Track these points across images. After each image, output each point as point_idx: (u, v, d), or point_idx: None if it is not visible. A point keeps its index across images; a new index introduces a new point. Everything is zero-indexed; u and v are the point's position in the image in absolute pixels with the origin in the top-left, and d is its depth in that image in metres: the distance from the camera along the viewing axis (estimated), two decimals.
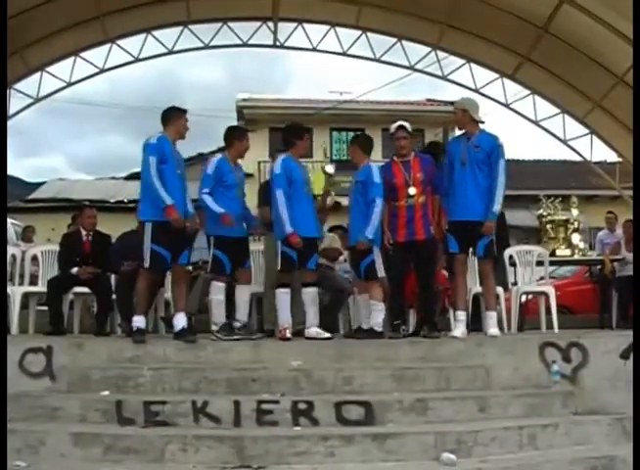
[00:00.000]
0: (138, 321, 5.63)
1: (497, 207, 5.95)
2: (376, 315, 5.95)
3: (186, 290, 6.07)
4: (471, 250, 6.26)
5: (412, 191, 6.04)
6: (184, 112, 5.90)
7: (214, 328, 5.86)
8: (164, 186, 5.55)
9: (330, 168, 6.49)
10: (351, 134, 19.18)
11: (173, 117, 5.83)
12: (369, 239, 5.91)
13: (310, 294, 6.07)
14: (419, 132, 17.12)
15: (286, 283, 6.05)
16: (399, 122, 6.32)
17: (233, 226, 5.87)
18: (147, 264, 5.64)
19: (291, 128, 6.38)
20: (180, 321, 5.68)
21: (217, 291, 5.96)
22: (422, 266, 6.13)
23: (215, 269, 5.98)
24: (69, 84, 9.79)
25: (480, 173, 5.99)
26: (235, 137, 6.15)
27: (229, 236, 5.91)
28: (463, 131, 6.26)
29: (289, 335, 5.85)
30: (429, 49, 10.13)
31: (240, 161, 6.29)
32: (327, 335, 5.91)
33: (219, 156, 6.19)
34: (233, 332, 5.84)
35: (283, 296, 6.01)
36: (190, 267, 6.76)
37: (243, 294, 6.09)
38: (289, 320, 5.96)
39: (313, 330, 5.94)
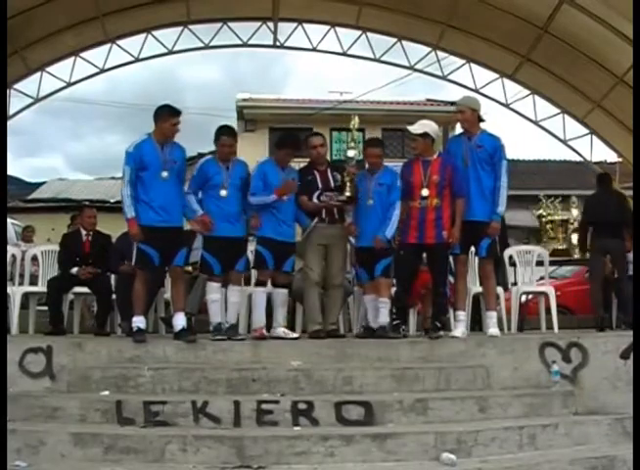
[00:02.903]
0: (138, 321, 5.64)
1: (502, 208, 5.96)
2: (387, 314, 6.04)
3: (184, 290, 6.06)
4: (472, 250, 6.26)
5: (425, 192, 5.91)
6: (173, 113, 5.69)
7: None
8: (145, 192, 5.58)
9: (351, 153, 6.25)
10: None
11: (160, 117, 5.67)
12: (387, 238, 5.97)
13: (281, 295, 6.13)
14: None
15: (263, 282, 6.12)
16: (407, 126, 6.21)
17: (211, 229, 5.81)
18: (133, 262, 5.72)
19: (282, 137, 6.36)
20: (179, 321, 5.69)
21: (212, 290, 5.97)
22: (434, 268, 6.08)
23: (204, 270, 6.03)
24: (69, 84, 9.80)
25: (483, 173, 5.96)
26: (215, 139, 6.04)
27: (218, 236, 5.87)
28: (462, 131, 6.25)
29: (265, 333, 5.87)
30: (429, 49, 10.14)
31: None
32: (294, 335, 5.97)
33: (208, 157, 6.20)
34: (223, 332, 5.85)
35: (260, 295, 6.08)
36: (189, 268, 6.75)
37: (232, 295, 6.09)
38: (263, 319, 6.04)
39: (280, 330, 6.00)
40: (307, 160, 6.48)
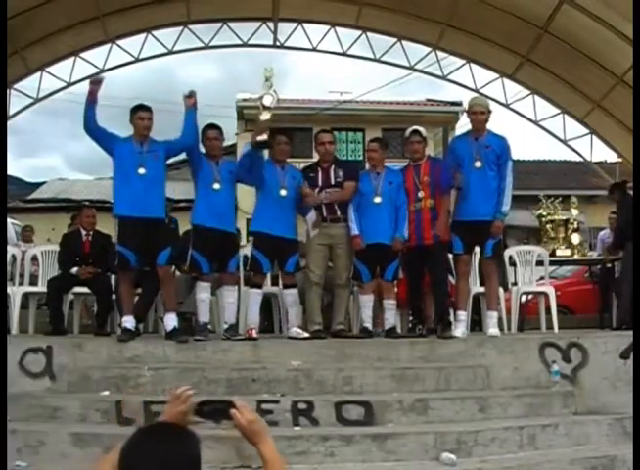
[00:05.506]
0: (125, 321, 5.68)
1: (506, 207, 6.00)
2: (395, 314, 6.21)
3: (174, 290, 6.00)
4: (477, 250, 6.29)
5: (421, 194, 6.11)
6: (137, 108, 5.75)
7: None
8: (120, 188, 5.59)
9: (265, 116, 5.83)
10: (351, 134, 19.33)
11: (130, 115, 5.77)
12: (405, 238, 6.07)
13: (290, 296, 6.15)
14: None
15: (258, 284, 6.12)
16: (413, 127, 6.39)
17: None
18: (115, 264, 5.73)
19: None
20: (170, 322, 5.70)
21: (200, 290, 5.98)
22: (432, 268, 6.19)
23: (192, 269, 6.03)
24: (69, 84, 9.79)
25: (491, 173, 6.01)
26: (201, 138, 6.07)
27: (207, 228, 5.84)
28: (466, 131, 6.29)
29: (255, 335, 5.84)
30: (429, 49, 10.13)
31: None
32: (306, 335, 5.95)
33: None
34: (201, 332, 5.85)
35: (254, 296, 6.09)
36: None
37: (227, 296, 6.11)
38: (257, 320, 6.07)
39: (293, 330, 6.02)
40: (312, 159, 6.52)
